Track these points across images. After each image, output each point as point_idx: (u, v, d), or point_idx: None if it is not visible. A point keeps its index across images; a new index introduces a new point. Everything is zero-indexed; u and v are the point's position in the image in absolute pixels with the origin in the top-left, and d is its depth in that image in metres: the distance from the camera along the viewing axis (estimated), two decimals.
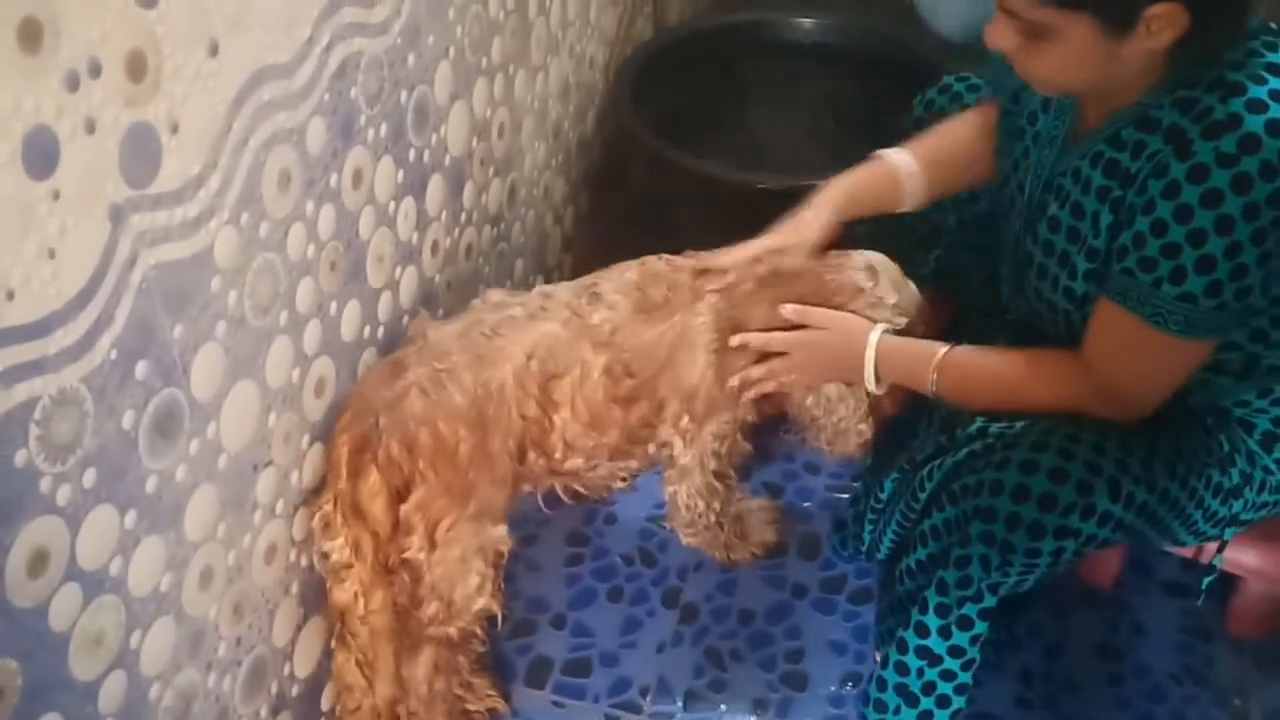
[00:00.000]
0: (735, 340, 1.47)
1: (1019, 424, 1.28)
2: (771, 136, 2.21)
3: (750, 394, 1.50)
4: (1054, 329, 1.34)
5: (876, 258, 1.52)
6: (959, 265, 1.62)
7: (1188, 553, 1.53)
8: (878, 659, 1.60)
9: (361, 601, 1.30)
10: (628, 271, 1.49)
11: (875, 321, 1.45)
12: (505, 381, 1.36)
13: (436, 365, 1.34)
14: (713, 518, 1.64)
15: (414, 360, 1.35)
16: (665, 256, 1.51)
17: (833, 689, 1.59)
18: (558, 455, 1.44)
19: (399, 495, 1.30)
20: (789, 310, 1.46)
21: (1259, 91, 1.10)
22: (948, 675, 1.37)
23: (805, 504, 1.84)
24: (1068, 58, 1.14)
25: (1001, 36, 1.18)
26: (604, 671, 1.62)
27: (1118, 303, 1.19)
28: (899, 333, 1.46)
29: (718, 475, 1.59)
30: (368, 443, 1.28)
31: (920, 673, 1.37)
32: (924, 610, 1.34)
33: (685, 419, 1.49)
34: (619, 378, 1.41)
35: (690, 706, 1.58)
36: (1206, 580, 1.47)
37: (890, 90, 1.87)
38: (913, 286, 1.53)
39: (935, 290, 1.62)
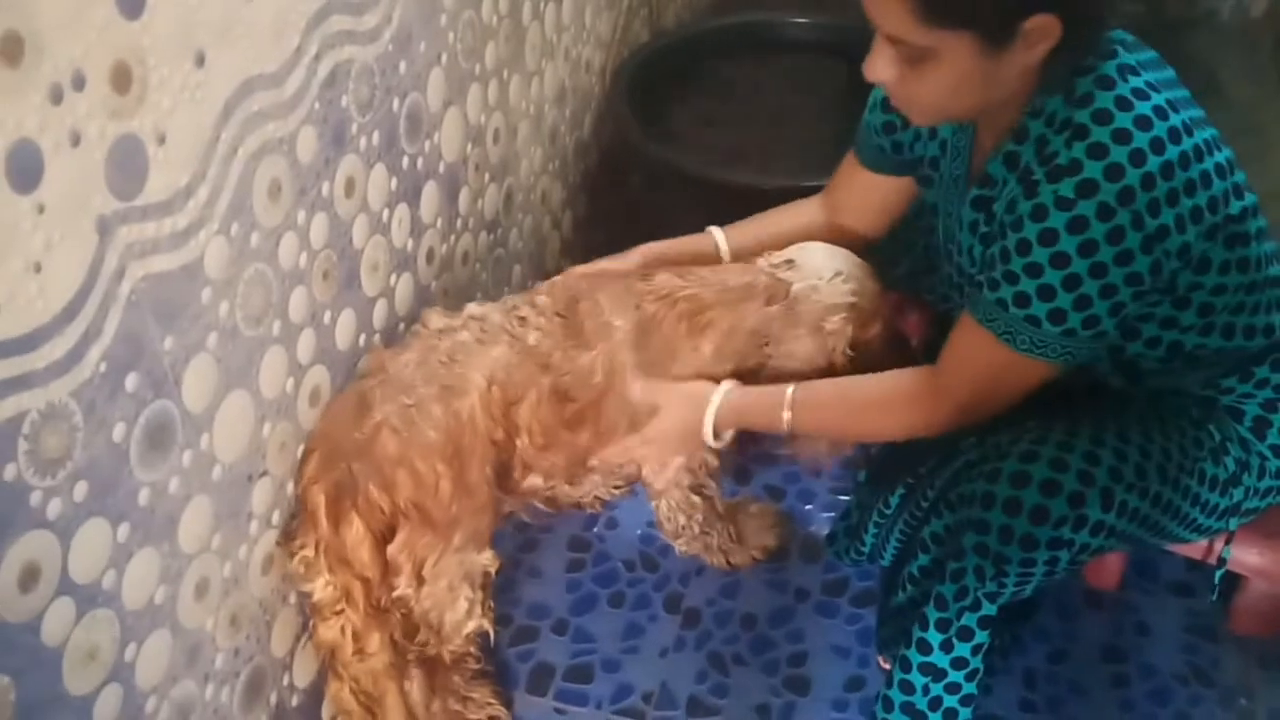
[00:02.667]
0: (591, 462, 1.48)
1: (1012, 432, 1.26)
2: (770, 139, 2.20)
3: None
4: None
5: (799, 249, 1.50)
6: (932, 266, 1.61)
7: (1197, 551, 1.52)
8: (881, 663, 1.60)
9: (350, 640, 1.28)
10: (539, 295, 1.46)
11: (818, 317, 1.45)
12: (474, 410, 1.33)
13: (404, 400, 1.30)
14: (697, 529, 1.64)
15: (379, 396, 1.31)
16: (560, 276, 1.51)
17: (836, 693, 1.58)
18: (516, 475, 1.42)
19: (383, 538, 1.28)
20: (637, 392, 1.44)
21: (1101, 134, 1.12)
22: (953, 688, 1.36)
23: (807, 506, 1.84)
24: (949, 80, 1.15)
25: (881, 67, 1.19)
26: (606, 677, 1.62)
27: (972, 314, 1.23)
28: (859, 319, 1.47)
29: (694, 489, 1.59)
30: (345, 489, 1.26)
31: (926, 689, 1.37)
32: (924, 626, 1.34)
33: (636, 440, 1.47)
34: (563, 400, 1.40)
35: (693, 712, 1.57)
36: (1218, 573, 1.47)
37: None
38: (855, 261, 1.51)
39: (911, 293, 1.61)
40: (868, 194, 1.54)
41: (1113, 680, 1.59)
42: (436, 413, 1.31)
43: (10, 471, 0.86)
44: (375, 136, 1.35)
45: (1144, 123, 1.12)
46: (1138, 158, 1.11)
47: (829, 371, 1.46)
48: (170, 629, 1.09)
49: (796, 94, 2.27)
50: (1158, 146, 1.11)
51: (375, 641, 1.29)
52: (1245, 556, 1.51)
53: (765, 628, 1.67)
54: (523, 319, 1.42)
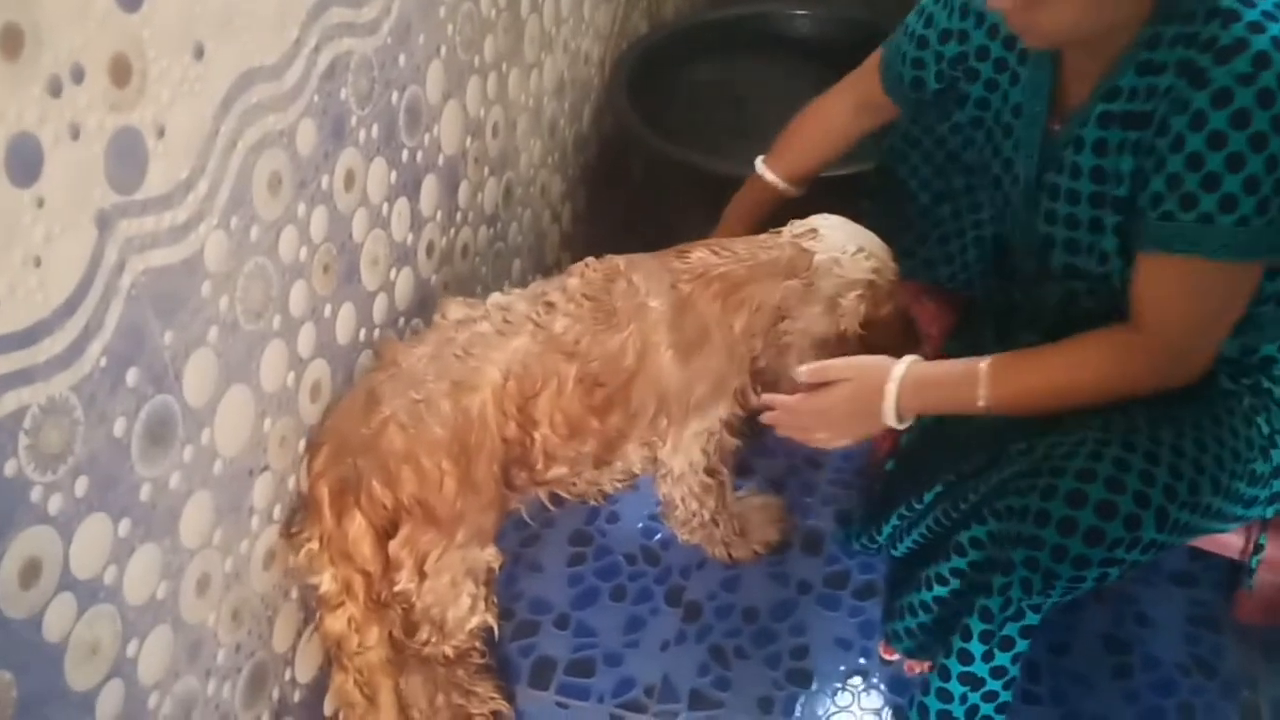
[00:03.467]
0: (767, 418, 1.46)
1: (1067, 442, 1.24)
2: (770, 131, 2.19)
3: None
4: (1092, 299, 1.31)
5: (823, 219, 1.50)
6: (950, 253, 1.60)
7: (1233, 550, 1.52)
8: (883, 653, 1.60)
9: (355, 634, 1.28)
10: (569, 279, 1.45)
11: (840, 289, 1.45)
12: (485, 407, 1.32)
13: (413, 396, 1.30)
14: (707, 515, 1.63)
15: (388, 391, 1.30)
16: (590, 261, 1.49)
17: (838, 685, 1.58)
18: (539, 466, 1.41)
19: (385, 533, 1.28)
20: (804, 374, 1.41)
21: (1251, 14, 1.10)
22: (990, 696, 1.36)
23: (808, 499, 1.83)
24: (1079, 5, 1.13)
25: None
26: (608, 671, 1.61)
27: (1164, 251, 1.16)
28: (873, 296, 1.46)
29: (709, 472, 1.58)
30: (348, 484, 1.25)
31: (964, 699, 1.36)
32: (967, 637, 1.33)
33: (664, 422, 1.48)
34: (590, 388, 1.39)
35: (695, 705, 1.57)
36: (1255, 559, 1.46)
37: None
38: (876, 239, 1.50)
39: (929, 280, 1.60)
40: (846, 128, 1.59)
41: (1115, 671, 1.59)
42: (445, 409, 1.30)
43: (11, 467, 0.85)
44: (374, 129, 1.35)
45: (1271, 16, 1.10)
46: None
47: (838, 349, 1.45)
48: (172, 624, 1.08)
49: (796, 86, 2.26)
50: None
51: (373, 636, 1.29)
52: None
53: (767, 620, 1.67)
54: (550, 304, 1.41)
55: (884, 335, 1.48)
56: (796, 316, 1.47)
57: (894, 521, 1.56)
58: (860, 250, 1.47)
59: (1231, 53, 1.09)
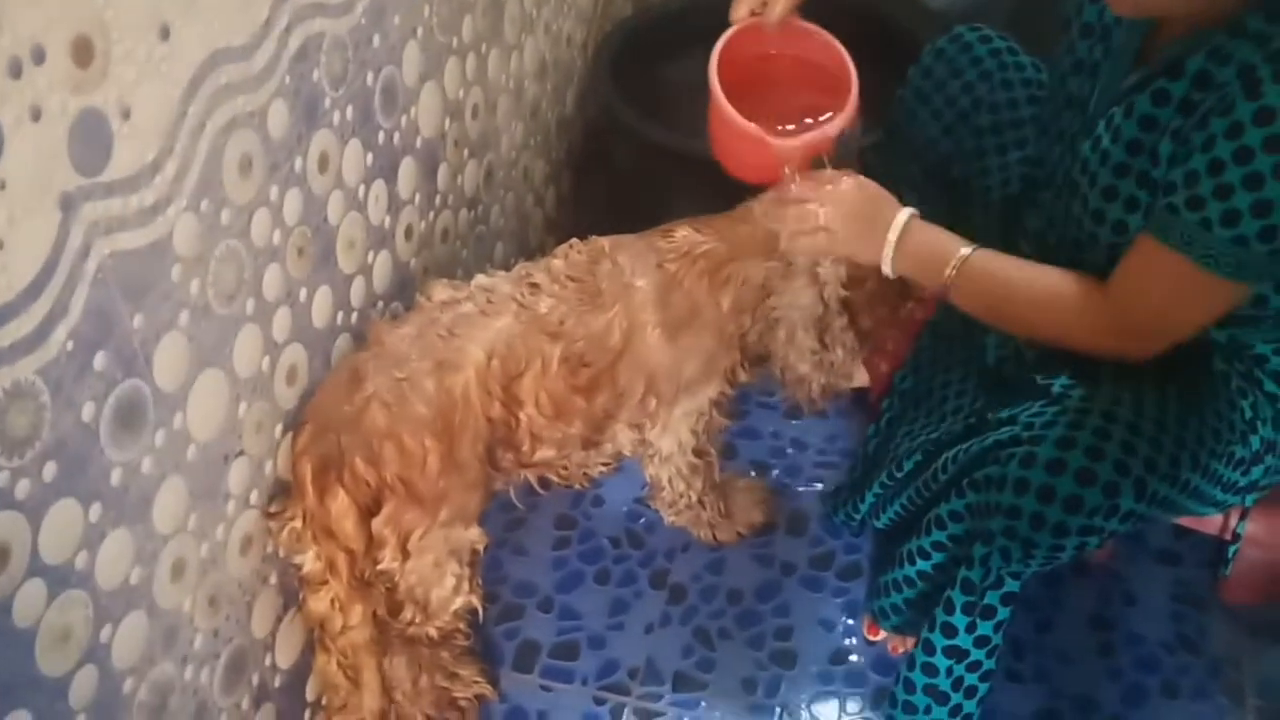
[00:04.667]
0: (767, 198, 1.46)
1: (1049, 412, 1.24)
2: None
3: (789, 243, 1.44)
4: (1091, 262, 1.30)
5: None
6: (958, 216, 1.59)
7: (1212, 526, 1.52)
8: (868, 632, 1.60)
9: (339, 614, 1.28)
10: (554, 260, 1.45)
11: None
12: (468, 386, 1.32)
13: (396, 374, 1.29)
14: (694, 497, 1.63)
15: (372, 369, 1.30)
16: (575, 242, 1.48)
17: (823, 666, 1.58)
18: (525, 448, 1.41)
19: (369, 511, 1.27)
20: (826, 174, 1.41)
21: None
22: (974, 666, 1.36)
23: (792, 481, 1.83)
24: None
25: None
26: (592, 654, 1.61)
27: (1161, 240, 1.15)
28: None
29: (697, 453, 1.57)
30: (331, 461, 1.25)
31: (949, 671, 1.37)
32: (950, 610, 1.33)
33: (653, 402, 1.47)
34: (576, 367, 1.39)
35: (679, 687, 1.57)
36: (1232, 549, 1.46)
37: (874, 61, 1.84)
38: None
39: None
40: None
41: (1100, 649, 1.59)
42: (428, 387, 1.30)
43: None
44: (349, 111, 1.34)
45: None
46: None
47: (827, 317, 1.46)
48: (146, 610, 1.08)
49: None
50: None
51: (357, 614, 1.28)
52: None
53: (751, 602, 1.67)
54: (535, 286, 1.41)
55: (872, 296, 1.49)
56: (781, 291, 1.48)
57: (875, 491, 1.56)
58: None
59: None
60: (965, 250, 1.32)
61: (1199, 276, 1.14)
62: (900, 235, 1.36)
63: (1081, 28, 1.35)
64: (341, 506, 1.25)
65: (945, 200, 1.62)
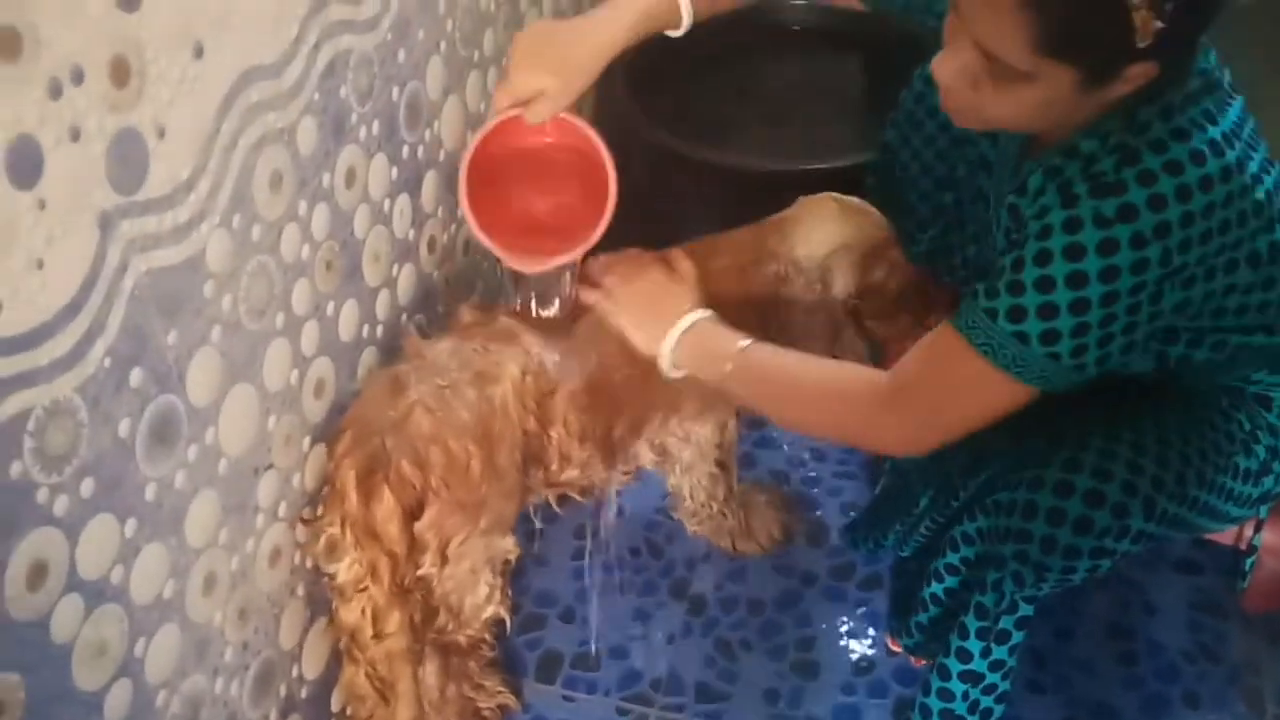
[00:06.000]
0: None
1: (1051, 436, 1.24)
2: (773, 123, 2.19)
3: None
4: None
5: (805, 201, 1.52)
6: (951, 244, 1.60)
7: (1227, 538, 1.53)
8: (890, 646, 1.60)
9: (371, 621, 1.28)
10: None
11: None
12: (506, 396, 1.33)
13: (439, 382, 1.31)
14: (715, 507, 1.64)
15: (414, 378, 1.32)
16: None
17: (844, 677, 1.59)
18: (554, 467, 1.42)
19: (412, 514, 1.28)
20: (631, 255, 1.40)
21: (1153, 162, 1.08)
22: (989, 689, 1.37)
23: (812, 491, 1.83)
24: (1034, 103, 1.10)
25: (955, 73, 1.12)
26: (614, 665, 1.62)
27: (953, 322, 1.16)
28: (860, 260, 1.47)
29: (718, 464, 1.59)
30: (377, 464, 1.26)
31: (965, 695, 1.37)
32: (964, 635, 1.34)
33: (674, 421, 1.49)
34: (600, 388, 1.40)
35: (701, 697, 1.57)
36: (1249, 560, 1.46)
37: (892, 73, 1.86)
38: (857, 202, 1.52)
39: (929, 269, 1.60)
40: None
41: (1120, 658, 1.59)
42: (470, 395, 1.31)
43: (16, 469, 0.85)
44: (375, 126, 1.35)
45: (1198, 158, 1.08)
46: (1183, 194, 1.07)
47: (840, 322, 1.48)
48: (179, 623, 1.09)
49: (800, 78, 2.27)
50: (1205, 185, 1.07)
51: (395, 621, 1.28)
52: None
53: (772, 613, 1.67)
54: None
55: (888, 300, 1.50)
56: (792, 299, 1.49)
57: (896, 528, 1.57)
58: (833, 218, 1.49)
59: (1107, 191, 1.08)
60: (744, 343, 1.28)
61: (979, 365, 1.13)
62: (684, 332, 1.31)
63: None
64: (387, 509, 1.26)
65: (939, 225, 1.63)
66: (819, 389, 1.27)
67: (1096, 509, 1.18)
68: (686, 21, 1.38)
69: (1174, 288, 1.10)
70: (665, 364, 1.34)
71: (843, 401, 1.25)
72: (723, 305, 1.45)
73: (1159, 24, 0.99)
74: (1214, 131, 1.10)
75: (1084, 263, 1.07)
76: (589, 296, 1.37)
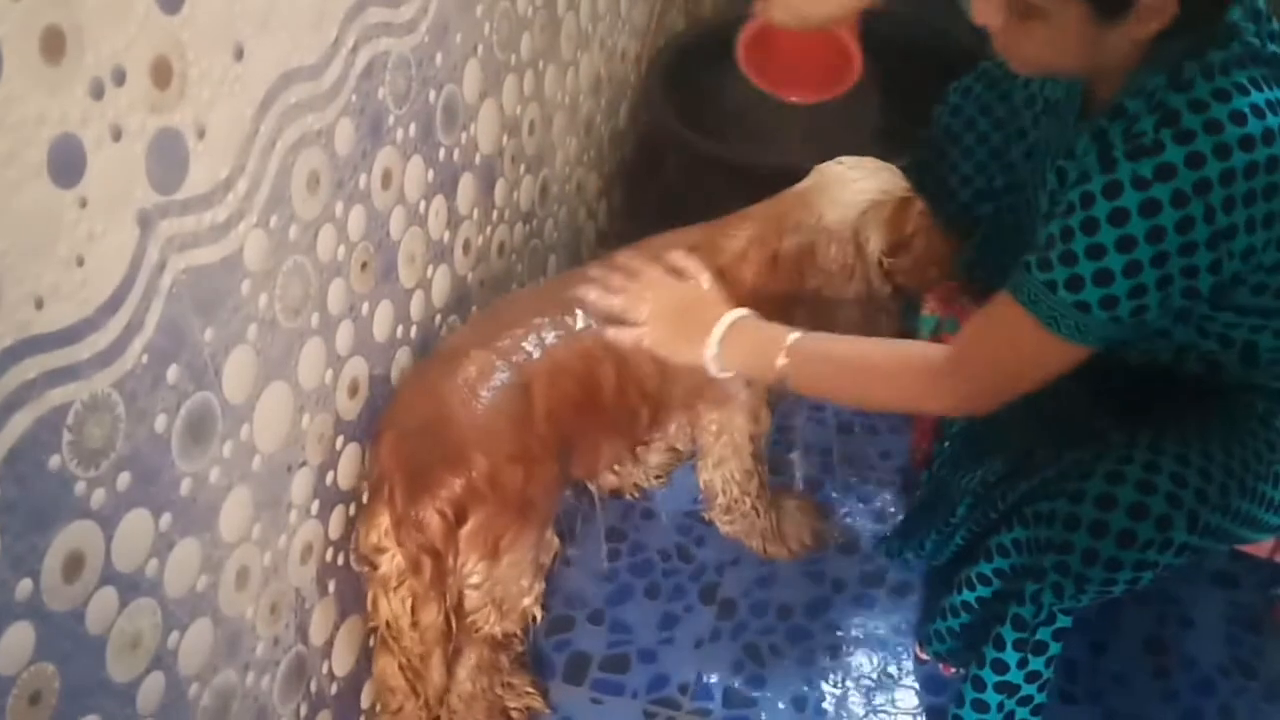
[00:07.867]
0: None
1: (1093, 448, 1.24)
2: (807, 125, 2.19)
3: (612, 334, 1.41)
4: None
5: (821, 169, 1.53)
6: (993, 254, 1.60)
7: (1262, 550, 1.51)
8: (919, 654, 1.59)
9: (410, 613, 1.29)
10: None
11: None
12: (544, 394, 1.35)
13: (479, 382, 1.32)
14: (748, 504, 1.63)
15: (454, 374, 1.33)
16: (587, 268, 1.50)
17: (873, 684, 1.58)
18: (589, 459, 1.44)
19: (456, 514, 1.29)
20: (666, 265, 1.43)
21: (1191, 121, 1.08)
22: (1025, 700, 1.36)
23: (844, 497, 1.83)
24: (1054, 40, 1.12)
25: (989, 12, 1.16)
26: (642, 668, 1.62)
27: (1013, 295, 1.17)
28: (891, 217, 1.48)
29: (752, 456, 1.59)
30: (421, 462, 1.27)
31: (1000, 706, 1.36)
32: (1000, 647, 1.33)
33: (702, 412, 1.50)
34: (627, 387, 1.41)
35: (729, 702, 1.57)
36: None
37: (926, 75, 1.85)
38: (873, 162, 1.52)
39: (970, 279, 1.60)
40: None
41: (1155, 672, 1.58)
42: (511, 394, 1.32)
43: (54, 462, 0.87)
44: (412, 128, 1.36)
45: (1238, 118, 1.07)
46: (1223, 151, 1.06)
47: (868, 287, 1.48)
48: (212, 617, 1.10)
49: None
50: (1246, 144, 1.07)
51: (432, 612, 1.30)
52: None
53: (802, 618, 1.67)
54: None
55: (915, 262, 1.51)
56: (823, 265, 1.49)
57: (934, 538, 1.56)
58: (860, 177, 1.49)
59: (1143, 153, 1.08)
60: (793, 335, 1.30)
61: (1040, 335, 1.15)
62: (726, 332, 1.33)
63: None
64: (431, 508, 1.27)
65: (975, 235, 1.62)
66: (880, 366, 1.28)
67: (1140, 521, 1.17)
68: None
69: (1231, 255, 1.10)
70: (713, 368, 1.35)
71: (906, 373, 1.27)
72: (748, 288, 1.45)
73: None
74: (1259, 97, 1.09)
75: (1129, 226, 1.08)
76: (625, 338, 1.39)
